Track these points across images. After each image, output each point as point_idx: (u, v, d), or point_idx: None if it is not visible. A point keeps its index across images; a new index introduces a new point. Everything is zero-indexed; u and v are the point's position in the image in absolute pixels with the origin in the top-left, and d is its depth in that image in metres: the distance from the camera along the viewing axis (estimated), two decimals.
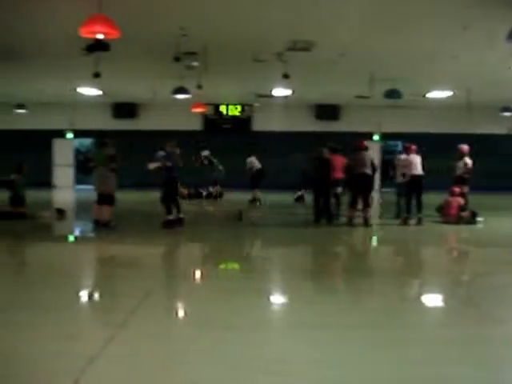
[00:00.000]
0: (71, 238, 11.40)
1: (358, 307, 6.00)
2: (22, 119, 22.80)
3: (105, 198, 11.38)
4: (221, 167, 18.93)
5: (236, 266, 8.77)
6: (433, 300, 6.76)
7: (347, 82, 17.44)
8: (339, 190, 13.27)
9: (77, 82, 17.22)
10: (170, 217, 11.62)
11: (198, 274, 8.01)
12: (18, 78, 16.64)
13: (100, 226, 11.33)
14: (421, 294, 7.11)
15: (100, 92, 19.08)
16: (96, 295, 6.71)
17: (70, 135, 24.71)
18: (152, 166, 11.74)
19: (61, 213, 13.61)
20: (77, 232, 12.52)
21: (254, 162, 17.98)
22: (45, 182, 23.25)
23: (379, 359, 4.35)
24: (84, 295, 6.67)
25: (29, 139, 23.24)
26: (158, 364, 4.19)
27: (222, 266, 8.57)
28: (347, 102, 22.78)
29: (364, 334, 4.97)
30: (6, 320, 5.23)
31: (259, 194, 17.72)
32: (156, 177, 11.95)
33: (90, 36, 8.55)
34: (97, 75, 12.61)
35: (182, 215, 11.84)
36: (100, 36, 8.51)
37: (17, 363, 4.21)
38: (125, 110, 23.75)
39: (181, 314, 5.92)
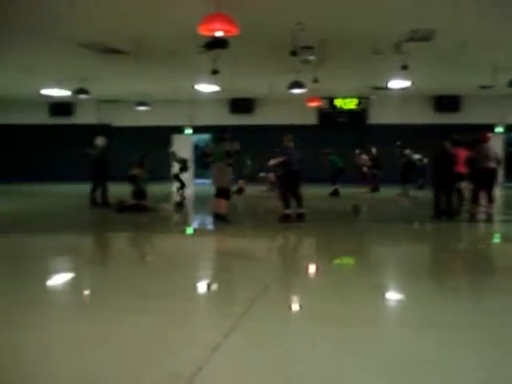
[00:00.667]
0: (190, 231, 11.73)
1: (484, 307, 5.75)
2: (144, 116, 23.73)
3: (221, 192, 11.60)
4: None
5: (352, 261, 8.67)
6: None
7: (468, 72, 16.77)
8: (462, 184, 12.77)
9: (196, 79, 17.67)
10: (288, 211, 11.67)
11: (314, 268, 7.99)
12: (141, 76, 17.30)
13: (218, 219, 11.57)
14: None
15: (218, 88, 19.49)
16: (216, 286, 6.86)
17: (188, 131, 25.43)
18: (272, 162, 11.82)
19: (180, 206, 14.06)
20: (195, 225, 12.87)
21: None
22: (164, 176, 24.12)
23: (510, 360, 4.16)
24: (205, 286, 6.85)
25: (150, 135, 24.19)
26: (275, 357, 4.22)
27: (338, 261, 8.51)
28: (468, 93, 21.92)
29: (493, 334, 4.76)
30: (136, 307, 5.50)
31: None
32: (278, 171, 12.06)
33: (209, 33, 8.74)
34: (215, 72, 12.87)
35: (302, 210, 11.83)
36: (219, 33, 8.68)
37: (147, 348, 4.39)
38: (242, 105, 24.15)
39: (298, 308, 5.91)
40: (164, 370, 3.94)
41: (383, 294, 6.30)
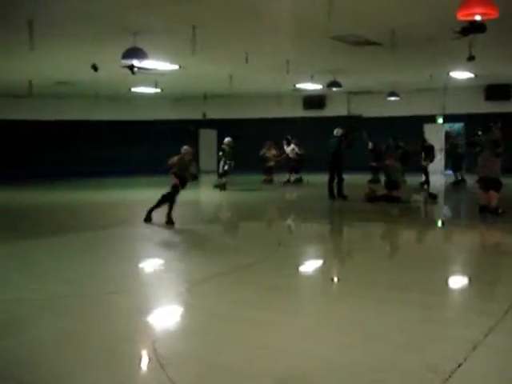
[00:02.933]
0: (446, 224, 11.34)
1: None
2: (395, 106, 23.53)
3: (490, 184, 10.99)
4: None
5: None
6: None
7: None
8: None
9: (448, 66, 17.08)
10: None
11: None
12: (393, 66, 17.19)
13: (486, 212, 10.94)
14: None
15: (472, 75, 18.62)
16: (476, 282, 6.58)
17: (440, 120, 24.69)
18: None
19: (433, 197, 13.76)
20: (451, 217, 12.47)
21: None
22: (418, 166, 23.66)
23: None
24: (464, 281, 6.67)
25: (400, 125, 23.90)
26: None
27: None
28: None
29: None
30: (394, 297, 5.58)
31: None
32: None
33: (468, 18, 8.38)
34: (471, 58, 12.29)
35: None
36: (477, 17, 8.28)
37: (405, 338, 4.43)
38: (498, 91, 22.74)
39: None
40: (421, 362, 3.93)
41: None
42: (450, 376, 3.68)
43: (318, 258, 8.13)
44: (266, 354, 4.17)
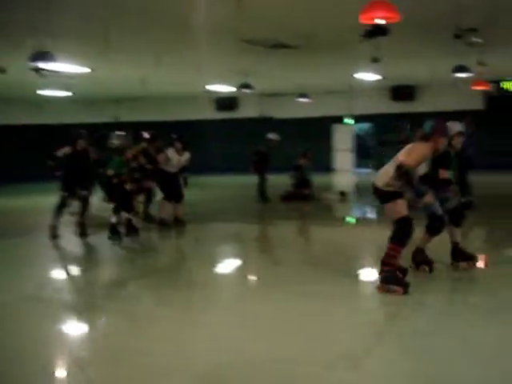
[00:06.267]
0: (353, 220, 11.77)
1: None
2: (305, 108, 24.00)
3: None
4: None
5: None
6: None
7: None
8: None
9: (355, 68, 17.59)
10: None
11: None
12: (303, 68, 17.57)
13: None
14: None
15: (378, 77, 19.26)
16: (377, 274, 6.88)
17: (348, 121, 25.41)
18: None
19: (343, 195, 14.22)
20: (362, 213, 12.91)
21: None
22: (325, 166, 24.28)
23: None
24: (367, 272, 6.94)
25: (311, 126, 24.48)
26: (439, 345, 4.22)
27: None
28: None
29: None
30: (302, 291, 5.76)
31: None
32: None
33: (370, 22, 8.72)
34: (376, 60, 12.76)
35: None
36: (380, 21, 8.63)
37: (315, 329, 4.62)
38: (403, 92, 23.68)
39: (463, 296, 5.74)
40: (332, 351, 4.12)
41: None
42: (358, 362, 3.90)
43: (234, 256, 8.27)
44: (187, 352, 4.26)
